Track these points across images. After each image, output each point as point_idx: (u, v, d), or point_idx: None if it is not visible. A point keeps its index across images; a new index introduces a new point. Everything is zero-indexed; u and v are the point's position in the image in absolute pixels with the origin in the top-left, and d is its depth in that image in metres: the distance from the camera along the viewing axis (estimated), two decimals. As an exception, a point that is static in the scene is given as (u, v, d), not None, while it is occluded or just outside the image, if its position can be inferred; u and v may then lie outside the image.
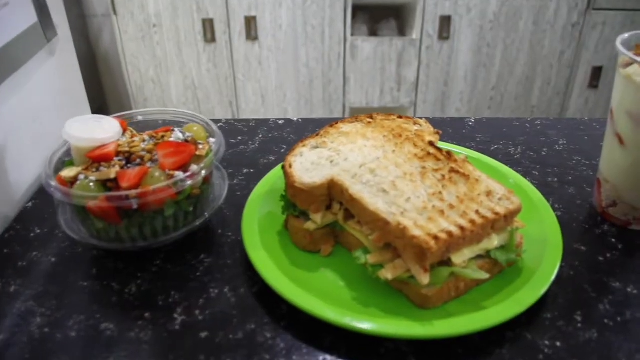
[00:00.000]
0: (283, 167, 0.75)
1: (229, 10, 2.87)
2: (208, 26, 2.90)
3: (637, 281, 0.72)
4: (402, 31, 3.21)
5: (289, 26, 2.95)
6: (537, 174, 0.95)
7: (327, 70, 3.08)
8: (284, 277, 0.67)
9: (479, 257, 0.68)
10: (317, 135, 0.81)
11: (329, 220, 0.74)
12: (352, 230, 0.71)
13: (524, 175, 0.92)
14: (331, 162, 0.74)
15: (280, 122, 1.11)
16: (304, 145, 0.78)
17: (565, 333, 0.64)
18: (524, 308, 0.64)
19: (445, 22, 3.00)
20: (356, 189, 0.68)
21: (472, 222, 0.64)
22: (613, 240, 0.80)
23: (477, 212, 0.65)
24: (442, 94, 3.23)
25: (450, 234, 0.61)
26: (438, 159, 0.74)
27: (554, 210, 0.83)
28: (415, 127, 0.82)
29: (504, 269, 0.70)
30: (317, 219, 0.72)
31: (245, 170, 0.95)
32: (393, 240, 0.64)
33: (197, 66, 3.02)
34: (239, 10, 2.88)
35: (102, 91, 3.27)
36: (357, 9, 3.16)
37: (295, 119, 1.12)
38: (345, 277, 0.71)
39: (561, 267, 0.73)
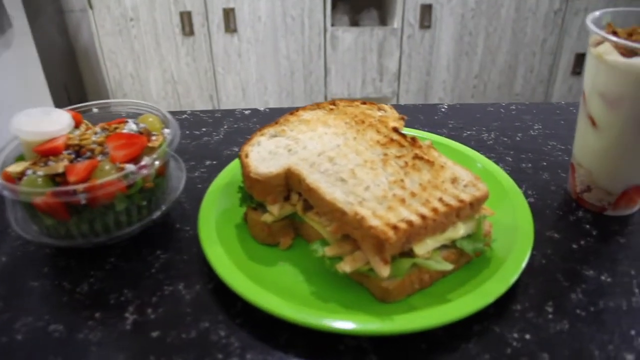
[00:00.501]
0: (239, 157, 0.72)
1: (207, 2, 2.83)
2: (186, 19, 2.86)
3: (611, 269, 0.69)
4: (383, 21, 3.18)
5: (268, 17, 2.91)
6: (511, 159, 0.92)
7: (307, 62, 3.04)
8: (239, 272, 0.64)
9: (444, 247, 0.64)
10: (276, 123, 0.77)
11: (287, 212, 0.70)
12: (311, 221, 0.68)
13: (497, 162, 0.89)
14: (289, 150, 0.71)
15: (246, 112, 1.08)
16: (262, 134, 0.75)
17: (535, 325, 0.61)
18: (491, 300, 0.60)
19: (427, 11, 2.97)
20: (313, 178, 0.65)
21: (435, 210, 0.60)
22: (587, 226, 0.76)
23: (440, 199, 0.62)
24: (425, 84, 3.20)
25: (410, 223, 0.58)
26: (402, 146, 0.70)
27: (527, 196, 0.81)
28: (380, 113, 0.79)
29: (471, 259, 0.67)
30: (275, 210, 0.69)
31: (207, 162, 0.91)
32: (351, 231, 0.60)
33: (176, 60, 2.98)
34: (217, 2, 2.84)
35: (83, 87, 3.23)
36: (337, 0, 3.12)
37: (262, 108, 1.09)
38: (304, 270, 0.68)
39: (533, 255, 0.70)
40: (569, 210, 0.80)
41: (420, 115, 1.06)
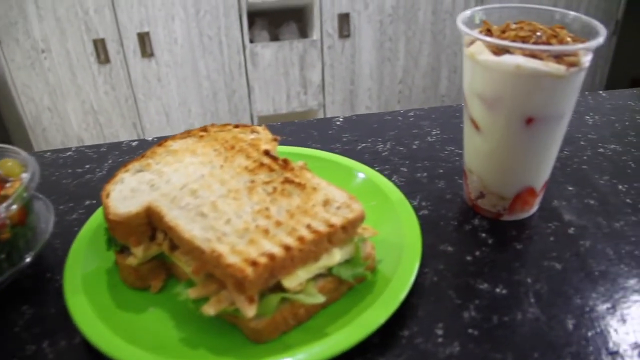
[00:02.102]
0: (101, 198, 0.66)
1: (120, 28, 2.76)
2: (100, 46, 2.78)
3: (507, 279, 0.65)
4: (304, 33, 3.15)
5: (184, 39, 2.85)
6: (406, 170, 0.87)
7: (229, 81, 2.99)
8: (100, 323, 0.58)
9: (320, 276, 0.59)
10: (143, 157, 0.71)
11: (154, 253, 0.64)
12: (179, 261, 0.62)
13: (391, 174, 0.85)
14: (152, 186, 0.65)
15: (133, 143, 1.01)
16: (126, 171, 0.69)
17: (423, 351, 0.56)
18: (372, 329, 0.55)
19: (344, 20, 2.94)
20: (172, 215, 0.59)
21: (301, 239, 0.55)
22: (483, 235, 0.72)
23: (308, 226, 0.57)
24: (350, 93, 3.17)
25: (272, 257, 0.53)
26: (272, 170, 0.65)
27: (421, 208, 0.77)
28: (252, 136, 0.74)
29: (354, 286, 0.62)
30: (139, 252, 0.63)
31: (87, 203, 0.85)
32: (212, 270, 0.55)
33: (94, 89, 2.90)
34: (130, 27, 2.77)
35: (3, 123, 3.12)
36: (255, 15, 3.08)
37: (150, 138, 1.02)
38: (176, 315, 0.62)
39: (424, 273, 0.66)
40: (464, 220, 0.76)
41: (314, 131, 1.01)
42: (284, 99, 3.10)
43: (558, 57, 0.61)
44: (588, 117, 1.04)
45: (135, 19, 2.75)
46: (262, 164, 0.66)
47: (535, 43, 0.63)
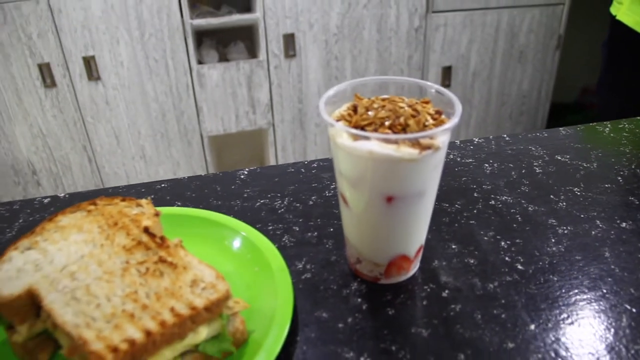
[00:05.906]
0: None
1: (65, 52, 2.78)
2: (45, 71, 2.80)
3: (372, 348, 0.68)
4: (252, 52, 3.18)
5: (130, 62, 2.87)
6: (297, 229, 0.91)
7: (177, 102, 3.02)
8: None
9: (189, 352, 0.64)
10: (32, 233, 0.74)
11: (39, 329, 0.67)
12: (62, 339, 0.66)
13: (283, 234, 0.89)
14: (36, 266, 0.68)
15: (45, 200, 1.04)
16: (15, 248, 0.72)
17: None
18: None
19: (290, 40, 2.99)
20: (50, 299, 0.63)
21: (163, 323, 0.59)
22: (359, 300, 0.76)
23: (172, 309, 0.61)
24: (299, 112, 3.21)
25: (132, 342, 0.57)
26: (148, 248, 0.69)
27: (305, 271, 0.81)
28: (136, 211, 0.77)
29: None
30: (23, 330, 0.67)
31: (-7, 266, 0.88)
32: (83, 354, 0.59)
33: (42, 113, 2.91)
34: (75, 51, 2.79)
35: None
36: (203, 35, 3.11)
37: (62, 195, 1.05)
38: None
39: (295, 342, 0.69)
40: (344, 284, 0.79)
41: (217, 186, 1.04)
42: (233, 119, 3.14)
43: (413, 141, 0.66)
44: (487, 165, 1.09)
45: (80, 43, 2.77)
46: (139, 243, 0.70)
47: (392, 126, 0.68)
